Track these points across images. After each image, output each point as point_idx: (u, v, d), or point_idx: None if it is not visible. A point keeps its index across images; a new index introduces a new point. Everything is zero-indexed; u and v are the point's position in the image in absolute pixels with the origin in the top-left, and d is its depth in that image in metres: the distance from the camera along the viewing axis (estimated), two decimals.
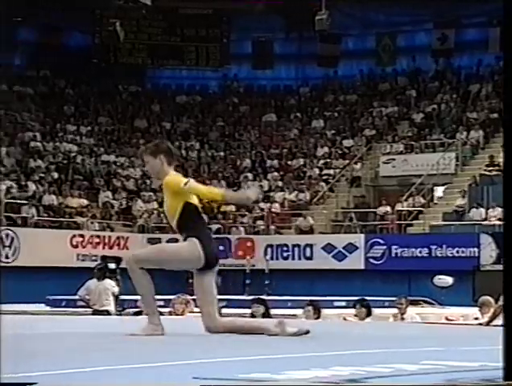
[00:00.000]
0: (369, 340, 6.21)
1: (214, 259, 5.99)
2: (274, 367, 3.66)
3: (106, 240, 23.98)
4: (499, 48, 26.17)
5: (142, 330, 5.84)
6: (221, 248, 24.35)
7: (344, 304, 16.06)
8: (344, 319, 11.46)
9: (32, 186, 24.44)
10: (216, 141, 29.82)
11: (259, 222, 25.67)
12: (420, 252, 22.57)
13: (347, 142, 28.43)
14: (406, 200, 24.63)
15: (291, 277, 22.93)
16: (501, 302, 8.94)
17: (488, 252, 21.47)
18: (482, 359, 4.05)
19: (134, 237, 24.68)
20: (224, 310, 13.09)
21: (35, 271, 21.28)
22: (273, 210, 25.82)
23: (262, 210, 25.87)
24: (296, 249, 24.23)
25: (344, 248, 23.38)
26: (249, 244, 24.53)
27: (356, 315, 10.88)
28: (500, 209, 21.57)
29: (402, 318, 11.70)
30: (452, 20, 29.93)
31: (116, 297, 14.35)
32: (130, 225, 25.44)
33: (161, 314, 10.88)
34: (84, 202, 24.88)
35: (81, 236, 23.50)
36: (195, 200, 6.01)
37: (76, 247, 23.20)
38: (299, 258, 24.14)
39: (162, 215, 26.09)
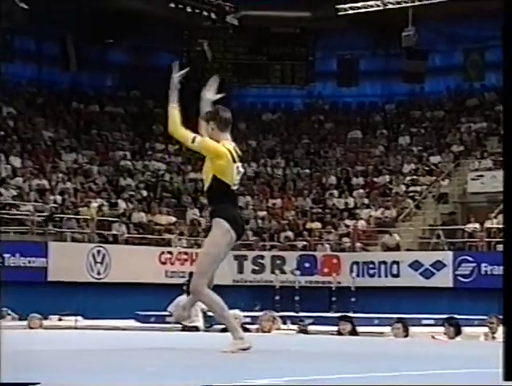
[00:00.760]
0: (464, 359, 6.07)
1: (241, 234, 6.00)
2: None
3: (194, 257, 24.18)
4: None
5: (231, 345, 5.84)
6: (307, 265, 24.33)
7: (432, 322, 15.79)
8: (433, 338, 11.25)
9: (122, 204, 24.89)
10: (302, 159, 29.81)
11: (345, 239, 25.50)
12: None
13: (434, 159, 28.02)
14: (495, 217, 24.09)
15: (377, 295, 22.68)
16: None
17: None
18: None
19: None
20: (310, 327, 13.05)
21: (125, 287, 21.62)
22: (359, 227, 25.61)
23: (348, 227, 25.71)
24: (383, 266, 23.96)
25: (431, 265, 23.00)
26: (334, 261, 24.38)
27: (445, 333, 10.66)
28: None
29: (494, 337, 11.41)
30: None
31: (204, 314, 14.44)
32: None
33: (248, 330, 10.93)
34: (173, 219, 25.19)
35: (170, 252, 23.78)
36: (226, 176, 5.89)
37: (164, 263, 23.49)
38: (386, 275, 23.85)
39: (248, 231, 26.23)
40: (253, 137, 31.01)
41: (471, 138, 28.42)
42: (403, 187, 27.02)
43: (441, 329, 11.17)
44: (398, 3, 26.58)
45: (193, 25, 28.33)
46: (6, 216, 21.84)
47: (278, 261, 24.62)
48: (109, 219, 23.82)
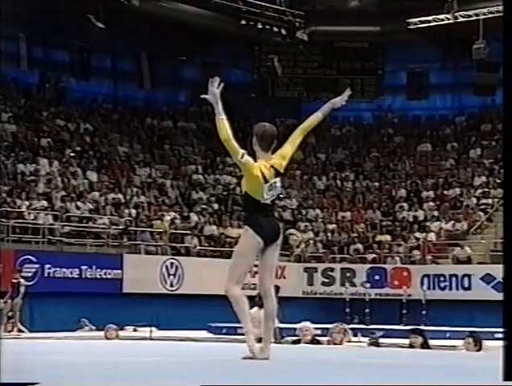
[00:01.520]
0: None
1: (271, 237, 6.25)
2: None
3: None
4: None
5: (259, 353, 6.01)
6: (377, 277, 24.15)
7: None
8: None
9: (194, 217, 25.13)
10: (371, 172, 29.66)
11: (415, 252, 25.24)
12: None
13: None
14: None
15: (448, 308, 22.37)
16: None
17: None
18: None
19: (291, 266, 24.85)
20: (381, 340, 12.95)
21: (197, 299, 21.79)
22: (429, 239, 25.33)
23: (418, 239, 25.45)
24: (454, 279, 23.62)
25: None
26: (405, 273, 24.14)
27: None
28: None
29: None
30: None
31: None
32: (288, 255, 25.64)
33: (319, 342, 10.92)
34: (240, 231, 25.28)
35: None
36: (256, 195, 6.23)
37: None
38: (457, 288, 23.50)
39: (318, 244, 26.19)
40: (323, 151, 30.98)
41: None
42: (474, 200, 26.62)
43: None
44: (469, 16, 26.27)
45: (264, 41, 28.53)
46: (83, 229, 22.28)
47: (347, 274, 24.51)
48: (182, 232, 24.07)
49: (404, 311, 22.42)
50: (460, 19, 26.63)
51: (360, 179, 29.23)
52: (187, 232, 24.12)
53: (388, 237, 25.84)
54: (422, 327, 13.72)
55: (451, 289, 23.60)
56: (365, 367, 5.74)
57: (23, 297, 18.50)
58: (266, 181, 6.26)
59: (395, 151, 30.66)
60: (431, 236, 25.52)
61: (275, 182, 6.29)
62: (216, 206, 26.43)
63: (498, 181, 27.13)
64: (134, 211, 24.11)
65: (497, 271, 22.91)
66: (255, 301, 14.98)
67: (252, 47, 31.55)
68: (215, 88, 6.50)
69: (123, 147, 27.68)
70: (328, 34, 29.95)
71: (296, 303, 23.13)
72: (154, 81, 30.67)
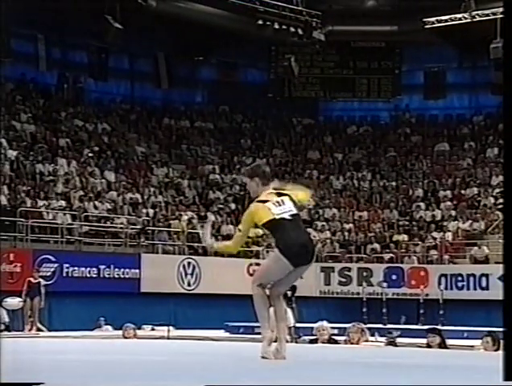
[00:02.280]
0: None
1: (301, 262, 6.21)
2: None
3: None
4: None
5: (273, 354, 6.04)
6: (394, 277, 24.05)
7: None
8: None
9: (211, 217, 25.13)
10: (388, 172, 29.55)
11: (432, 251, 25.12)
12: None
13: None
14: None
15: (466, 307, 22.25)
16: None
17: None
18: None
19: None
20: (398, 340, 12.89)
21: (214, 298, 21.79)
22: (446, 239, 25.20)
23: (435, 239, 25.32)
24: (471, 279, 23.49)
25: None
26: (422, 273, 24.03)
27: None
28: None
29: None
30: None
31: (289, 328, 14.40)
32: None
33: (336, 342, 10.88)
34: (260, 231, 25.26)
35: (257, 264, 23.79)
36: (263, 217, 6.27)
37: (252, 275, 23.51)
38: (475, 288, 23.37)
39: (335, 243, 26.12)
40: (340, 150, 30.90)
41: None
42: (492, 199, 26.47)
43: None
44: (486, 15, 26.11)
45: (280, 41, 28.46)
46: (101, 229, 22.33)
47: (364, 273, 24.44)
48: (199, 231, 24.06)
49: (421, 311, 22.31)
50: (478, 18, 26.47)
51: (377, 179, 29.13)
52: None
53: (405, 237, 25.73)
54: (439, 327, 13.65)
55: (468, 288, 23.47)
56: (383, 367, 5.70)
57: (44, 297, 18.55)
58: (267, 201, 6.30)
59: (412, 151, 30.54)
60: (449, 236, 25.40)
61: (282, 200, 6.29)
62: (233, 205, 26.42)
63: None
64: (151, 211, 24.15)
65: None
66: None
67: (269, 47, 31.52)
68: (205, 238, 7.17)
69: (141, 147, 27.73)
70: (345, 34, 29.86)
71: (313, 303, 23.08)
72: (172, 81, 30.71)
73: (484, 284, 23.22)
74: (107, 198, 23.82)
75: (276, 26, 26.73)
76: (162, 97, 31.18)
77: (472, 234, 25.30)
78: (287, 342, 12.19)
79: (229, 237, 24.63)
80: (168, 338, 15.09)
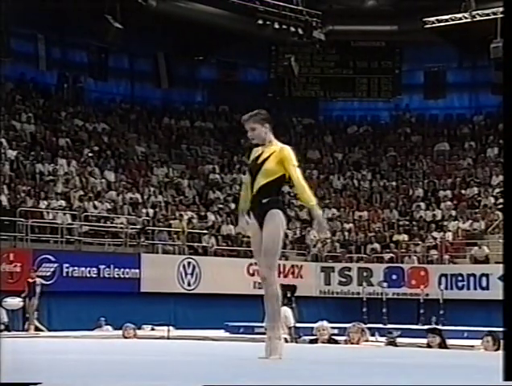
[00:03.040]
0: None
1: None
2: None
3: (281, 269, 24.19)
4: None
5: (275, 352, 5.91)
6: (394, 277, 24.04)
7: None
8: None
9: (211, 217, 25.13)
10: (388, 171, 29.54)
11: (432, 251, 25.11)
12: None
13: None
14: None
15: (466, 307, 22.24)
16: None
17: None
18: None
19: (307, 266, 24.82)
20: (399, 339, 12.88)
21: (214, 298, 21.78)
22: (446, 239, 25.19)
23: (435, 239, 25.31)
24: (472, 279, 23.49)
25: None
26: (422, 273, 24.03)
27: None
28: None
29: None
30: None
31: (289, 328, 14.38)
32: (304, 254, 25.59)
33: (337, 342, 10.87)
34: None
35: (257, 264, 23.81)
36: (283, 174, 6.06)
37: (252, 275, 23.53)
38: (475, 288, 23.36)
39: (335, 243, 26.11)
40: (340, 150, 30.89)
41: None
42: (492, 199, 26.46)
43: None
44: (486, 15, 26.10)
45: (280, 40, 28.47)
46: (101, 229, 22.32)
47: (365, 273, 24.43)
48: (199, 231, 24.07)
49: (421, 311, 22.29)
50: (478, 18, 26.46)
51: (377, 179, 29.12)
52: (205, 231, 24.11)
53: (405, 237, 25.72)
54: (439, 327, 13.63)
55: (468, 288, 23.47)
56: (383, 367, 5.69)
57: (40, 297, 18.54)
58: None
59: (412, 150, 30.53)
60: (449, 236, 25.39)
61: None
62: (233, 205, 26.38)
63: None
64: (151, 211, 24.14)
65: None
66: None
67: (269, 47, 31.51)
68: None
69: (141, 147, 27.72)
70: (345, 34, 29.86)
71: (313, 303, 23.09)
72: (172, 81, 30.69)
73: (484, 284, 23.21)
74: (107, 198, 23.81)
75: (276, 25, 26.72)
76: (162, 97, 31.16)
77: (472, 234, 25.29)
78: (286, 341, 12.19)
79: (229, 237, 24.69)
80: (168, 338, 15.08)
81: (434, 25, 27.84)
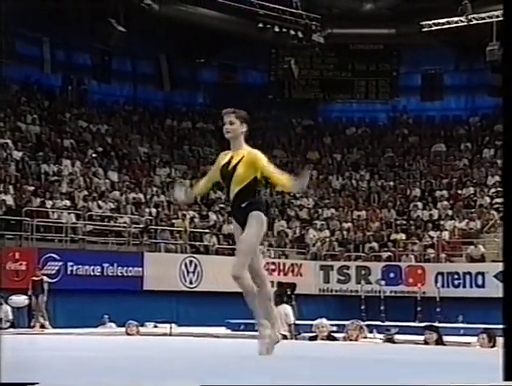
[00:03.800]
0: None
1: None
2: None
3: (281, 267, 24.21)
4: None
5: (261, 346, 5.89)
6: (392, 275, 24.03)
7: None
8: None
9: (213, 216, 25.11)
10: (386, 172, 29.53)
11: (429, 250, 25.10)
12: None
13: None
14: None
15: (462, 305, 22.22)
16: None
17: None
18: None
19: (307, 264, 24.80)
20: (396, 337, 12.86)
21: (215, 296, 21.75)
22: (443, 238, 25.18)
23: (432, 238, 25.30)
24: (468, 277, 23.48)
25: None
26: (419, 271, 24.02)
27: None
28: None
29: None
30: None
31: (289, 324, 14.36)
32: (304, 253, 25.58)
33: (335, 339, 10.85)
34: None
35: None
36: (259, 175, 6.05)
37: None
38: (471, 286, 23.36)
39: (334, 242, 26.09)
40: (338, 151, 30.88)
41: None
42: (488, 199, 26.44)
43: None
44: (482, 18, 26.09)
45: (280, 43, 28.46)
46: (104, 228, 22.31)
47: (363, 272, 24.43)
48: (201, 230, 24.06)
49: (419, 308, 22.29)
50: (474, 22, 26.45)
51: (375, 179, 29.11)
52: (206, 230, 24.10)
53: (403, 236, 25.71)
54: (436, 324, 13.61)
55: (465, 286, 23.46)
56: (381, 363, 5.68)
57: (47, 295, 18.53)
58: None
59: (410, 151, 30.51)
60: (445, 235, 25.38)
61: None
62: None
63: None
64: (154, 211, 24.12)
65: None
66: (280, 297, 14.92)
67: (269, 50, 31.49)
68: (177, 195, 6.58)
69: (143, 148, 27.71)
70: (344, 37, 29.84)
71: (312, 300, 23.06)
72: (174, 83, 30.70)
73: (480, 282, 23.20)
74: (110, 197, 23.80)
75: (276, 29, 26.72)
76: (164, 99, 31.16)
77: (468, 233, 25.28)
78: (286, 338, 12.17)
79: (230, 236, 24.67)
80: (170, 334, 15.06)
81: (431, 28, 27.85)
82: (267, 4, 26.48)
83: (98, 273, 20.76)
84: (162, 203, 24.80)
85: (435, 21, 27.57)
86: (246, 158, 6.05)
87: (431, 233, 25.50)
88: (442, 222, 26.00)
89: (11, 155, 23.00)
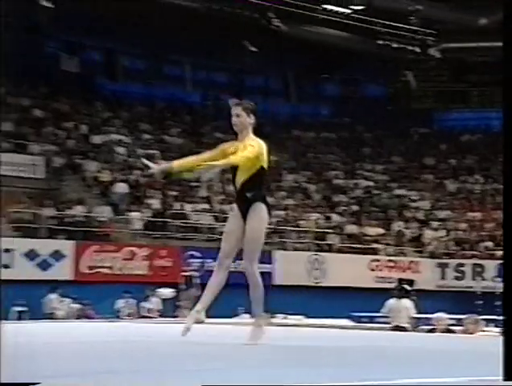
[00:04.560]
0: None
1: None
2: None
3: (400, 265, 23.88)
4: None
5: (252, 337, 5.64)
6: None
7: None
8: None
9: (336, 218, 25.06)
10: (500, 175, 28.58)
11: None
12: None
13: None
14: None
15: None
16: None
17: None
18: None
19: (424, 262, 24.35)
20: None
21: (339, 290, 21.72)
22: None
23: None
24: None
25: None
26: None
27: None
28: None
29: None
30: None
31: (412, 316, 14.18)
32: (421, 251, 25.13)
33: (453, 332, 10.62)
34: (380, 231, 25.02)
35: (378, 260, 23.62)
36: (266, 165, 5.68)
37: (373, 270, 23.37)
38: None
39: (450, 242, 25.49)
40: (453, 156, 30.16)
41: None
42: None
43: None
44: None
45: (398, 58, 28.10)
46: None
47: (478, 269, 23.75)
48: (325, 230, 24.07)
49: None
50: None
51: (489, 182, 28.25)
52: (330, 230, 24.09)
53: None
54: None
55: None
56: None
57: (198, 289, 18.92)
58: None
59: None
60: None
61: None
62: (355, 207, 26.24)
63: None
64: (282, 213, 24.32)
65: None
66: (393, 292, 14.79)
67: (388, 64, 31.16)
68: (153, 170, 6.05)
69: (272, 156, 27.93)
70: (458, 50, 29.13)
71: (430, 296, 22.62)
72: (300, 97, 30.87)
73: None
74: None
75: (395, 45, 26.40)
76: (291, 111, 31.35)
77: None
78: (407, 330, 12.01)
79: (351, 236, 24.56)
80: (298, 325, 15.15)
81: None
82: (386, 22, 26.21)
83: (233, 269, 21.06)
84: (289, 206, 24.97)
85: None
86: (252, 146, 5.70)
87: None
88: None
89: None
